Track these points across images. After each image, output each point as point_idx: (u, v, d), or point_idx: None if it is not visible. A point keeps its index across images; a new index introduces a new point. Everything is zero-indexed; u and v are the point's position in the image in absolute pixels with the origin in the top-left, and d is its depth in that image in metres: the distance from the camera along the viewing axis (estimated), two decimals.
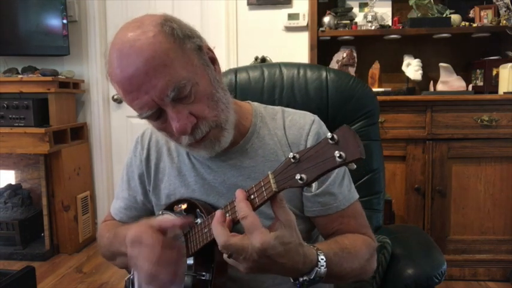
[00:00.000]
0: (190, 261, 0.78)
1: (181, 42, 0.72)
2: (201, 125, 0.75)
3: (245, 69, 1.30)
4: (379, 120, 1.51)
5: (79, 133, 2.92)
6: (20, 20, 2.66)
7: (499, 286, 2.17)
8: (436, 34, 2.44)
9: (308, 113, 0.92)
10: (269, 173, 0.62)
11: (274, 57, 2.53)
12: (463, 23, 2.41)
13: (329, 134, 0.54)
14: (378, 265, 0.92)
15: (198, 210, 0.82)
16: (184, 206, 0.85)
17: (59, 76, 2.71)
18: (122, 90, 0.73)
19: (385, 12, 2.56)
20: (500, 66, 2.23)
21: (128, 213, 0.99)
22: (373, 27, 2.44)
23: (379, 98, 1.31)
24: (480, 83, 2.40)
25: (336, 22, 2.48)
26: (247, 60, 2.61)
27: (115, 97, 2.94)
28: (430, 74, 2.55)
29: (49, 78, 2.58)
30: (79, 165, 2.84)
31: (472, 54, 2.54)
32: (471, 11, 2.47)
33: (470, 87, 2.48)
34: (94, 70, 2.93)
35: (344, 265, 0.75)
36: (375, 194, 1.21)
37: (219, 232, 0.64)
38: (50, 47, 2.73)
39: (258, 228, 0.61)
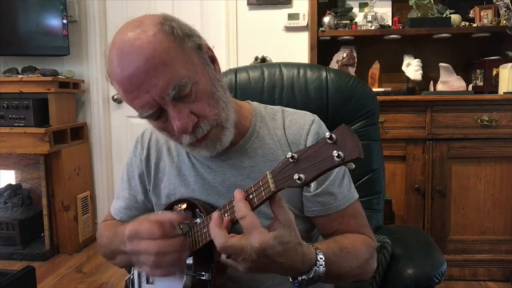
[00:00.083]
0: (189, 261, 0.78)
1: (181, 41, 0.73)
2: (202, 124, 0.75)
3: (245, 69, 1.30)
4: (379, 120, 1.51)
5: (79, 133, 2.92)
6: (20, 20, 2.66)
7: (499, 286, 2.17)
8: (436, 34, 2.44)
9: (308, 112, 0.92)
10: (267, 172, 0.62)
11: (274, 57, 2.53)
12: (463, 23, 2.41)
13: (327, 134, 0.54)
14: (378, 265, 0.92)
15: (197, 210, 0.82)
16: (184, 206, 0.85)
17: (59, 76, 2.71)
18: (122, 89, 0.73)
19: (385, 12, 2.56)
20: (500, 66, 2.23)
21: (128, 212, 0.99)
22: (373, 27, 2.44)
23: (379, 98, 1.31)
24: (480, 83, 2.40)
25: (336, 22, 2.48)
26: (247, 60, 2.61)
27: (115, 97, 2.94)
28: (430, 74, 2.55)
29: (49, 78, 2.58)
30: (79, 165, 2.84)
31: (472, 54, 2.54)
32: (471, 11, 2.47)
33: (470, 87, 2.48)
34: (94, 70, 2.93)
35: (343, 265, 0.75)
36: (375, 194, 1.21)
37: (217, 234, 0.64)
38: (50, 47, 2.73)
39: (257, 228, 0.61)
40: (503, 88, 2.19)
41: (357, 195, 0.89)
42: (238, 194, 0.65)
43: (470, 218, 2.20)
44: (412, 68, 2.43)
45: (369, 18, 2.46)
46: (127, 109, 2.90)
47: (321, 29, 2.44)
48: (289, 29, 2.73)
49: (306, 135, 0.87)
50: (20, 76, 2.67)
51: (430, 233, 2.18)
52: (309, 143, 0.86)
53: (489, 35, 2.45)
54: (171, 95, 0.70)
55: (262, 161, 0.86)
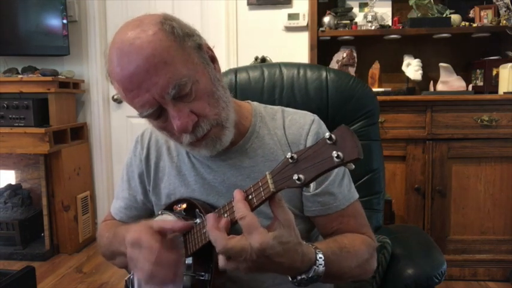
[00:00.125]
0: (189, 261, 0.78)
1: (181, 40, 0.73)
2: (202, 123, 0.75)
3: (245, 69, 1.30)
4: (379, 120, 1.51)
5: (79, 133, 2.92)
6: (20, 20, 2.66)
7: (499, 286, 2.17)
8: (436, 34, 2.44)
9: (308, 112, 0.92)
10: (267, 173, 0.62)
11: (274, 57, 2.53)
12: (463, 23, 2.41)
13: (327, 134, 0.54)
14: (378, 265, 0.92)
15: (197, 210, 0.82)
16: (184, 206, 0.85)
17: (59, 76, 2.71)
18: (123, 88, 0.73)
19: (385, 12, 2.56)
20: (500, 66, 2.23)
21: (128, 212, 0.99)
22: (373, 27, 2.44)
23: (379, 98, 1.31)
24: (480, 83, 2.40)
25: (336, 22, 2.48)
26: (247, 60, 2.62)
27: (115, 97, 2.94)
28: (430, 74, 2.55)
29: (49, 78, 2.58)
30: (79, 165, 2.84)
31: (472, 54, 2.54)
32: (471, 11, 2.47)
33: (470, 87, 2.48)
34: (94, 70, 2.93)
35: (343, 264, 0.75)
36: (375, 194, 1.21)
37: (216, 236, 0.63)
38: (50, 47, 2.73)
39: (257, 228, 0.61)
40: (503, 88, 2.19)
41: (357, 195, 0.89)
42: (237, 195, 0.64)
43: (470, 218, 2.20)
44: (412, 68, 2.43)
45: (369, 18, 2.46)
46: (127, 109, 2.90)
47: (321, 29, 2.44)
48: (289, 29, 2.73)
49: (306, 135, 0.87)
50: (20, 76, 2.67)
51: (430, 233, 2.18)
52: (309, 143, 0.86)
53: (489, 35, 2.45)
54: (171, 94, 0.70)
55: (262, 161, 0.86)
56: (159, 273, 0.72)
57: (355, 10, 2.59)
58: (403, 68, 2.47)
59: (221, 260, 0.64)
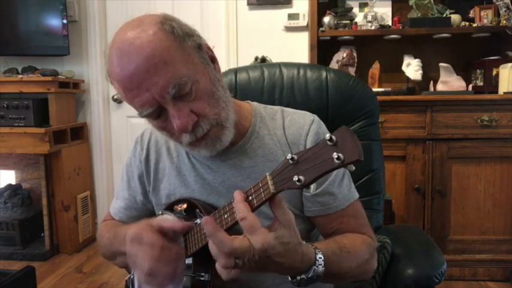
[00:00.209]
0: (189, 261, 0.78)
1: (181, 40, 0.73)
2: (202, 123, 0.75)
3: (245, 69, 1.30)
4: (379, 120, 1.51)
5: (79, 133, 2.92)
6: (20, 20, 2.66)
7: (499, 286, 2.17)
8: (436, 34, 2.44)
9: (307, 112, 0.92)
10: (267, 174, 0.62)
11: (274, 57, 2.53)
12: (463, 23, 2.41)
13: (327, 135, 0.54)
14: (378, 265, 0.92)
15: (197, 210, 0.82)
16: (184, 206, 0.85)
17: (59, 76, 2.71)
18: (123, 88, 0.73)
19: (385, 12, 2.56)
20: (500, 66, 2.23)
21: (128, 213, 0.99)
22: (373, 27, 2.44)
23: (379, 98, 1.31)
24: (480, 83, 2.40)
25: (336, 22, 2.48)
26: (247, 60, 2.61)
27: (115, 97, 2.94)
28: (430, 74, 2.55)
29: (49, 78, 2.58)
30: (79, 165, 2.84)
31: (472, 54, 2.54)
32: (471, 11, 2.47)
33: (470, 87, 2.48)
34: (94, 70, 2.93)
35: (343, 264, 0.75)
36: (375, 194, 1.21)
37: (221, 238, 0.61)
38: (50, 47, 2.73)
39: (258, 228, 0.61)
40: (503, 88, 2.19)
41: (357, 195, 0.89)
42: (237, 196, 0.64)
43: (470, 218, 2.20)
44: (412, 68, 2.43)
45: (369, 18, 2.46)
46: (127, 109, 2.90)
47: (321, 29, 2.44)
48: (289, 29, 2.73)
49: (306, 135, 0.87)
50: (20, 76, 2.67)
51: (430, 233, 2.18)
52: (309, 143, 0.86)
53: (489, 35, 2.45)
54: (171, 93, 0.70)
55: (262, 161, 0.86)
56: (159, 270, 0.71)
57: (355, 10, 2.59)
58: (403, 68, 2.47)
59: (223, 272, 0.62)
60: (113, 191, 2.93)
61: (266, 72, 1.26)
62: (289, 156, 0.58)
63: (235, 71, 1.29)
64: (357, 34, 2.46)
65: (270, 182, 0.60)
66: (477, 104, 2.12)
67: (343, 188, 0.86)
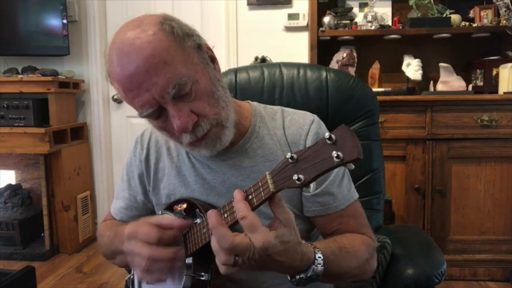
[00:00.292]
0: (189, 261, 0.78)
1: (181, 40, 0.73)
2: (202, 123, 0.75)
3: (245, 69, 1.30)
4: (379, 120, 1.51)
5: (79, 133, 2.92)
6: (20, 20, 2.66)
7: (499, 286, 2.17)
8: (436, 34, 2.44)
9: (307, 112, 0.92)
10: (267, 173, 0.62)
11: (274, 57, 2.53)
12: (463, 23, 2.41)
13: (327, 134, 0.54)
14: (378, 265, 0.92)
15: (197, 210, 0.82)
16: (184, 206, 0.85)
17: (59, 76, 2.72)
18: (123, 88, 0.73)
19: (385, 12, 2.56)
20: (500, 66, 2.23)
21: (128, 213, 0.99)
22: (373, 27, 2.44)
23: (379, 98, 1.31)
24: (480, 83, 2.40)
25: (336, 22, 2.48)
26: (247, 60, 2.62)
27: (115, 97, 2.95)
28: (430, 74, 2.55)
29: (49, 78, 2.58)
30: (79, 165, 2.84)
31: (472, 54, 2.54)
32: (471, 11, 2.47)
33: (470, 87, 2.48)
34: (94, 70, 2.93)
35: (342, 264, 0.75)
36: (375, 194, 1.21)
37: (223, 233, 0.61)
38: (50, 47, 2.73)
39: (259, 227, 0.61)
40: (503, 88, 2.19)
41: (356, 195, 0.89)
42: (237, 195, 0.64)
43: (470, 218, 2.20)
44: (412, 68, 2.43)
45: (369, 18, 2.46)
46: (127, 109, 2.90)
47: (321, 29, 2.44)
48: (289, 29, 2.73)
49: (306, 135, 0.87)
50: (20, 76, 2.67)
51: (430, 233, 2.18)
52: (309, 143, 0.86)
53: (489, 35, 2.45)
54: (171, 93, 0.70)
55: (262, 161, 0.86)
56: (154, 268, 0.71)
57: (355, 10, 2.59)
58: (403, 68, 2.47)
59: (222, 268, 0.62)
60: (113, 191, 2.93)
61: (266, 72, 1.27)
62: (288, 155, 0.58)
63: (235, 71, 1.29)
64: (357, 34, 2.46)
65: (269, 181, 0.60)
66: (477, 104, 2.12)
67: (343, 188, 0.86)
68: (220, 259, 0.62)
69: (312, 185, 0.57)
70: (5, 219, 2.64)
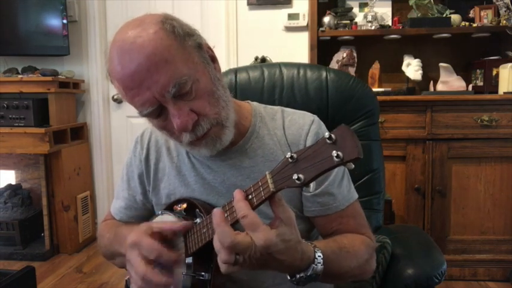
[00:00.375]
0: (189, 261, 0.78)
1: (182, 39, 0.73)
2: (202, 122, 0.75)
3: (245, 69, 1.30)
4: (379, 120, 1.51)
5: (79, 133, 2.92)
6: (20, 20, 2.66)
7: (499, 286, 2.17)
8: (436, 34, 2.44)
9: (307, 113, 0.92)
10: (267, 173, 0.62)
11: (274, 57, 2.53)
12: (463, 23, 2.41)
13: (327, 134, 0.54)
14: (377, 265, 0.92)
15: (197, 210, 0.82)
16: (184, 206, 0.85)
17: (59, 76, 2.71)
18: (123, 87, 0.73)
19: (385, 12, 2.57)
20: (500, 66, 2.23)
21: (128, 212, 0.99)
22: (373, 27, 2.44)
23: (379, 98, 1.31)
24: (480, 83, 2.40)
25: (336, 22, 2.48)
26: (247, 60, 2.62)
27: (115, 97, 2.94)
28: (430, 74, 2.55)
29: (49, 78, 2.58)
30: (79, 165, 2.84)
31: (472, 54, 2.54)
32: (471, 11, 2.47)
33: (470, 87, 2.48)
34: (94, 70, 2.93)
35: (342, 264, 0.75)
36: (374, 194, 1.21)
37: (224, 230, 0.61)
38: (50, 47, 2.73)
39: (260, 226, 0.61)
40: (503, 88, 2.19)
41: (356, 196, 0.89)
42: (237, 194, 0.64)
43: (470, 218, 2.20)
44: (412, 68, 2.43)
45: (369, 18, 2.46)
46: (127, 109, 2.91)
47: (321, 29, 2.44)
48: (289, 29, 2.73)
49: (306, 136, 0.87)
50: (20, 76, 2.67)
51: (430, 233, 2.18)
52: (309, 144, 0.86)
53: (489, 35, 2.45)
54: (171, 92, 0.70)
55: (262, 161, 0.86)
56: (154, 279, 0.71)
57: (355, 10, 2.59)
58: (403, 68, 2.47)
59: (222, 266, 0.63)
60: (113, 191, 2.93)
61: (266, 72, 1.26)
62: (288, 154, 0.58)
63: (235, 71, 1.29)
64: (357, 34, 2.46)
65: (269, 181, 0.60)
66: (477, 104, 2.12)
67: (343, 188, 0.86)
68: (221, 257, 0.62)
69: (312, 185, 0.57)
70: (5, 219, 2.64)
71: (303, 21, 2.67)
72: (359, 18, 2.56)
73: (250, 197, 0.63)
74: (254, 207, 0.63)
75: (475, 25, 2.38)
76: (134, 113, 0.77)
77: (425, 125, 2.14)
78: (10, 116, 2.56)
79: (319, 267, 0.67)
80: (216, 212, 0.64)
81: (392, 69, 2.60)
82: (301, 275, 0.67)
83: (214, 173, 0.88)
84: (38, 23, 2.69)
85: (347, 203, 0.85)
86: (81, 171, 2.87)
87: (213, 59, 0.80)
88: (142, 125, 0.84)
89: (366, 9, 2.53)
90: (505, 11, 2.34)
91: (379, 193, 1.22)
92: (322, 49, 2.47)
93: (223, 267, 0.62)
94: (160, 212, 0.89)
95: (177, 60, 0.71)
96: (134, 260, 0.74)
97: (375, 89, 2.33)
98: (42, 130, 2.50)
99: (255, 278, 0.84)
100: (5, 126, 2.55)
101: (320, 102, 1.21)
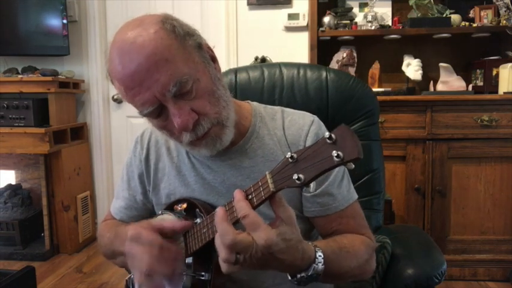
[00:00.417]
0: (189, 261, 0.78)
1: (182, 39, 0.73)
2: (202, 122, 0.75)
3: (245, 69, 1.30)
4: (379, 120, 1.51)
5: (79, 133, 2.92)
6: (20, 20, 2.66)
7: (499, 286, 2.17)
8: (436, 34, 2.44)
9: (307, 113, 0.92)
10: (267, 173, 0.62)
11: (274, 57, 2.53)
12: (463, 23, 2.41)
13: (327, 134, 0.54)
14: (377, 265, 0.92)
15: (197, 210, 0.82)
16: (184, 206, 0.85)
17: (59, 76, 2.71)
18: (124, 87, 0.73)
19: (385, 12, 2.56)
20: (500, 66, 2.23)
21: (128, 212, 0.99)
22: (373, 27, 2.44)
23: (379, 98, 1.31)
24: (480, 83, 2.40)
25: (336, 22, 2.48)
26: (247, 60, 2.62)
27: (115, 97, 2.95)
28: (430, 74, 2.55)
29: (49, 78, 2.58)
30: (79, 165, 2.84)
31: (472, 54, 2.54)
32: (471, 11, 2.47)
33: (470, 87, 2.48)
34: (94, 70, 2.93)
35: (342, 264, 0.75)
36: (374, 194, 1.21)
37: (226, 229, 0.61)
38: (50, 47, 2.73)
39: (261, 225, 0.61)
40: (503, 88, 2.19)
41: (356, 196, 0.89)
42: (238, 194, 0.64)
43: (470, 218, 2.20)
44: (412, 68, 2.43)
45: (369, 18, 2.46)
46: (127, 109, 2.91)
47: (321, 29, 2.44)
48: (289, 29, 2.73)
49: (306, 136, 0.87)
50: (20, 76, 2.67)
51: (430, 233, 2.18)
52: (308, 144, 0.85)
53: (489, 35, 2.45)
54: (172, 91, 0.71)
55: (262, 161, 0.86)
56: (157, 270, 0.71)
57: (355, 10, 2.59)
58: (403, 68, 2.47)
59: (223, 265, 0.62)
60: (113, 191, 2.93)
61: (266, 72, 1.26)
62: (288, 154, 0.58)
63: (235, 71, 1.29)
64: (357, 34, 2.46)
65: (269, 181, 0.60)
66: (477, 104, 2.12)
67: (343, 189, 0.86)
68: (222, 256, 0.62)
69: (312, 185, 0.57)
70: (5, 219, 2.64)
71: (303, 21, 2.67)
72: (359, 18, 2.56)
73: (250, 197, 0.63)
74: (254, 207, 0.63)
75: (475, 25, 2.38)
76: (134, 113, 0.77)
77: (425, 125, 2.14)
78: (10, 116, 2.56)
79: (320, 267, 0.67)
80: (219, 210, 0.64)
81: (392, 69, 2.60)
82: (302, 274, 0.67)
83: (214, 173, 0.88)
84: (38, 23, 2.69)
85: (347, 204, 0.85)
86: (81, 171, 2.87)
87: (213, 59, 0.80)
88: (142, 125, 0.84)
89: (366, 9, 2.53)
90: (505, 11, 2.34)
91: (379, 193, 1.22)
92: (322, 49, 2.47)
93: (224, 267, 0.62)
94: (160, 212, 0.89)
95: (177, 60, 0.71)
96: (136, 251, 0.73)
97: (374, 89, 2.33)
98: (42, 130, 2.50)
99: (255, 278, 0.84)
100: (5, 126, 2.55)
101: (320, 102, 1.21)
